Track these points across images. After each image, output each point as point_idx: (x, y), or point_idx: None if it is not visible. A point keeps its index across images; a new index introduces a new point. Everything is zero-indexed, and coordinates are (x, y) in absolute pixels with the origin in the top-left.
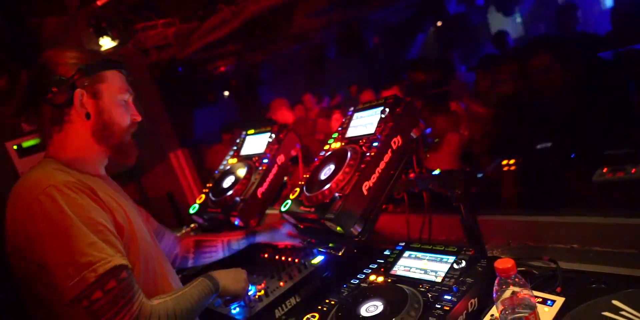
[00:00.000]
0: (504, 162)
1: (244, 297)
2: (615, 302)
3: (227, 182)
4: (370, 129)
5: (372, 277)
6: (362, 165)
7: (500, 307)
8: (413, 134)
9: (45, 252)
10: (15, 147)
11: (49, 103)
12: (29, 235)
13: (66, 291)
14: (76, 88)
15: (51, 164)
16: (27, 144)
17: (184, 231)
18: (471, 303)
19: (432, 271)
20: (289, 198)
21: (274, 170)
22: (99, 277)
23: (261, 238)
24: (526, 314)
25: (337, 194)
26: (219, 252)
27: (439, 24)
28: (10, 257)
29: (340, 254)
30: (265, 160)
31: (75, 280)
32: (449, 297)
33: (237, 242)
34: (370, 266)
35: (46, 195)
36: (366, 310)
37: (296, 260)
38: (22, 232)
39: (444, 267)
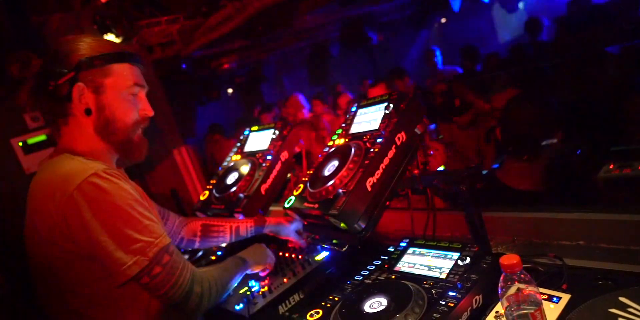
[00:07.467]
0: None
1: (272, 265)
2: (622, 298)
3: (231, 178)
4: (374, 125)
5: (376, 274)
6: (366, 162)
7: (506, 304)
8: (417, 130)
9: (97, 241)
10: (20, 143)
11: (50, 96)
12: (72, 226)
13: (123, 274)
14: (76, 82)
15: (71, 156)
16: (32, 140)
17: None
18: (476, 299)
19: (436, 268)
20: (292, 194)
21: (278, 166)
22: (153, 256)
23: (269, 229)
24: (532, 311)
25: (340, 190)
26: (226, 237)
27: (443, 20)
28: (37, 250)
29: (344, 250)
30: (269, 157)
31: (131, 263)
32: (453, 294)
33: (246, 230)
34: (374, 262)
35: (89, 184)
36: (370, 306)
37: (300, 256)
38: (62, 224)
39: (449, 264)
